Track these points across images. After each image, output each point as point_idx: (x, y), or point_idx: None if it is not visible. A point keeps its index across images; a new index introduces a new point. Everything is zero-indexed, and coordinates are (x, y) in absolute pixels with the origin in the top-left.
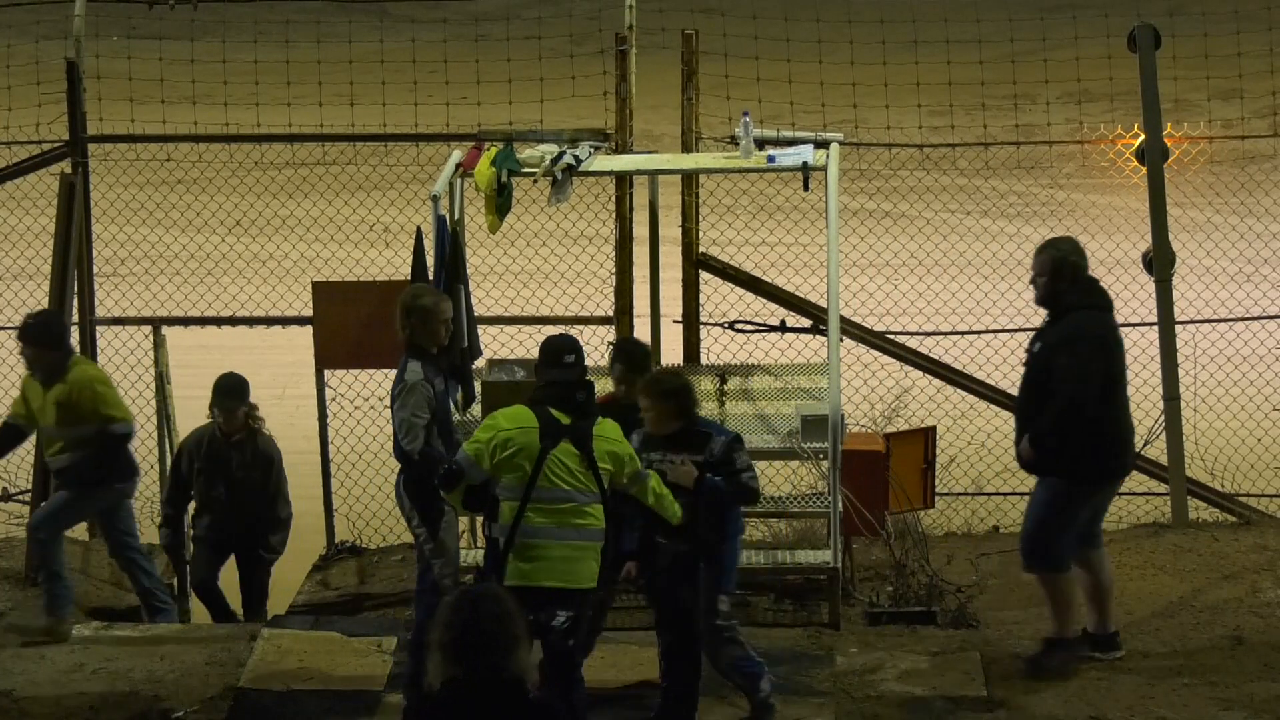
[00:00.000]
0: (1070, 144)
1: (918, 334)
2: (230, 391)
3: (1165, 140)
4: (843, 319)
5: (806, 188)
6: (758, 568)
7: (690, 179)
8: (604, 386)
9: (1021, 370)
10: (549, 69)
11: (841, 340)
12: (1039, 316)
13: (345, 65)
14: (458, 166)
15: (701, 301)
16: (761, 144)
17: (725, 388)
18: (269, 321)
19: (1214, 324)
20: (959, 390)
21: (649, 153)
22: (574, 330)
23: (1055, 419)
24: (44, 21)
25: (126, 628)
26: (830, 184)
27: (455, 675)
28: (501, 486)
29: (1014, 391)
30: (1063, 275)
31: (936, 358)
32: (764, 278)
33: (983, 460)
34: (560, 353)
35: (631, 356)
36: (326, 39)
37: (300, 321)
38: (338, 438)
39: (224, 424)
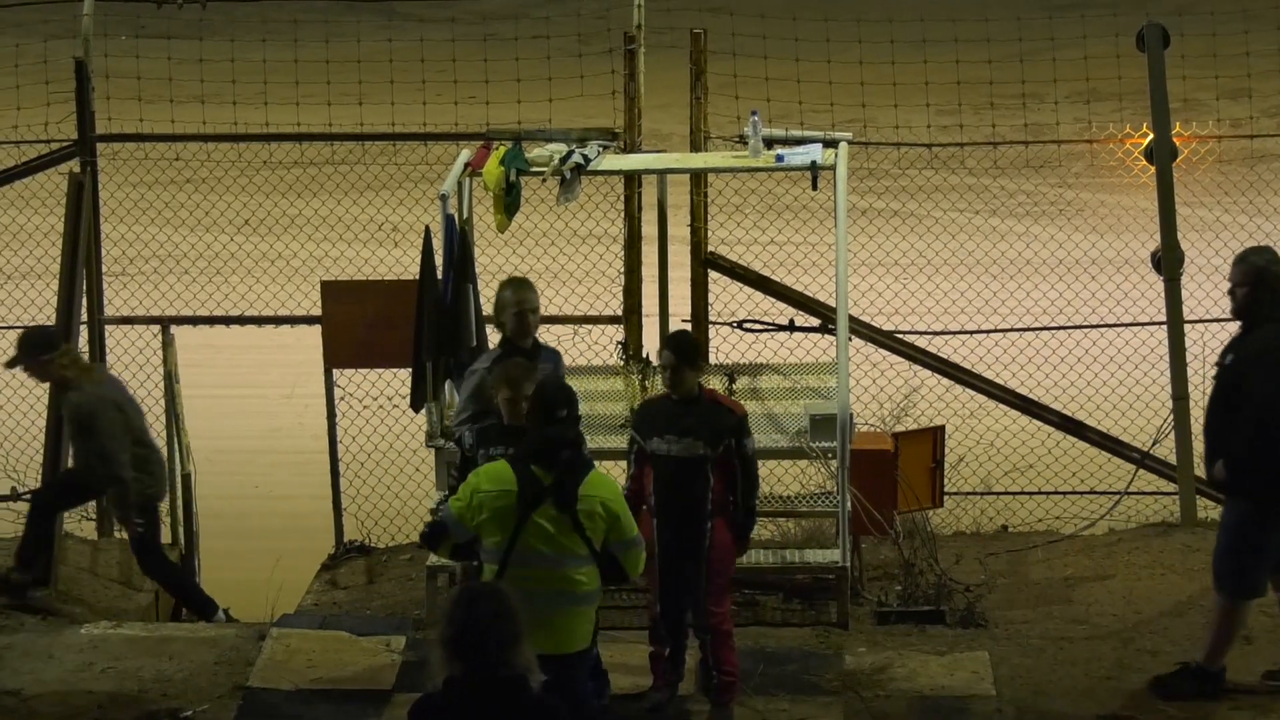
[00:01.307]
0: (1079, 143)
1: (926, 333)
2: (19, 344)
3: (1174, 139)
4: (851, 318)
5: (815, 187)
6: (766, 567)
7: (699, 178)
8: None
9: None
10: (557, 68)
11: (850, 339)
12: (1048, 315)
13: (353, 65)
14: (466, 166)
15: (710, 301)
16: (770, 143)
17: (734, 387)
18: (277, 321)
19: (1222, 323)
20: (968, 389)
21: (657, 152)
22: (582, 330)
23: (1249, 439)
24: (52, 21)
25: (135, 626)
26: (839, 183)
27: (455, 673)
28: (483, 548)
29: (1022, 390)
30: (1266, 285)
31: (945, 357)
32: (772, 277)
33: (991, 459)
34: (553, 408)
35: (679, 348)
36: (335, 38)
37: (309, 321)
38: (346, 437)
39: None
